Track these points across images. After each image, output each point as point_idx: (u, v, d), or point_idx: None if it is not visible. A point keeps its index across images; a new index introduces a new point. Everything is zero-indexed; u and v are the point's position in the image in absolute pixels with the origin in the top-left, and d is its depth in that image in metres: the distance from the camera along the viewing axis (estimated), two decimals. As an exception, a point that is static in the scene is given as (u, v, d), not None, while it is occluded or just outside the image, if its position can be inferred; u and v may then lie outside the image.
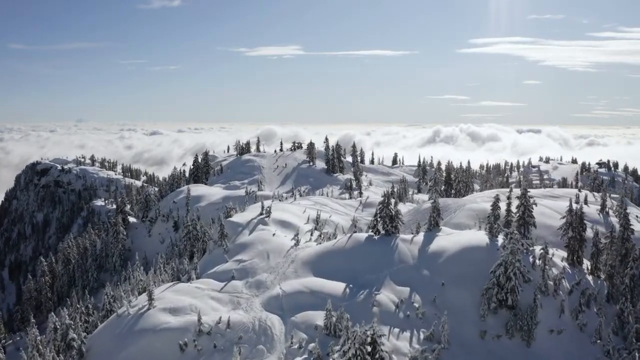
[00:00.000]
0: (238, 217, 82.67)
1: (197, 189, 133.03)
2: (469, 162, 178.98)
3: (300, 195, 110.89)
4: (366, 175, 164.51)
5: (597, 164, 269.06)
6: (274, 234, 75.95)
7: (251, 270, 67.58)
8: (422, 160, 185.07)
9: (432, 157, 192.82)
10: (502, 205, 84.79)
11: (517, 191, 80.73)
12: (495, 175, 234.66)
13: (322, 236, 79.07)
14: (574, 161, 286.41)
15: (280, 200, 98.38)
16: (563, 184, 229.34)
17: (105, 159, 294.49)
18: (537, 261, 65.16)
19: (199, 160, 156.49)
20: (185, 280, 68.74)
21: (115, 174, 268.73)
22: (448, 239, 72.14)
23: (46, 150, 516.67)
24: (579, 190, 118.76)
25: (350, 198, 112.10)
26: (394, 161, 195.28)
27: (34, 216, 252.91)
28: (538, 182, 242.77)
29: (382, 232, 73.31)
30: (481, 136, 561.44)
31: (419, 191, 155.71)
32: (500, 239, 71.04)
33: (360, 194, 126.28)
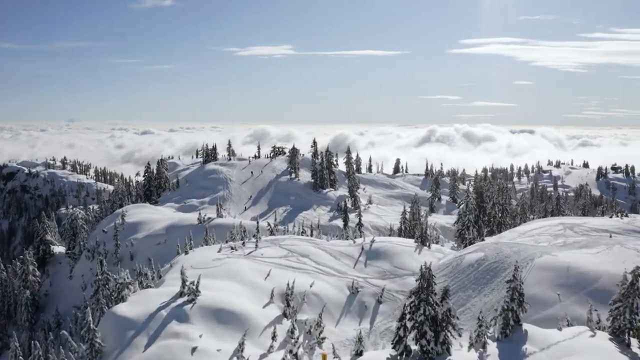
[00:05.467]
0: (135, 304, 40.98)
1: (137, 212, 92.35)
2: (498, 174, 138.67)
3: (272, 232, 69.46)
4: (364, 189, 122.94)
5: (613, 168, 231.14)
6: (194, 348, 35.06)
7: None
8: (430, 167, 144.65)
9: (441, 164, 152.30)
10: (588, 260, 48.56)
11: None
12: (504, 181, 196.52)
13: (296, 337, 38.30)
14: (586, 165, 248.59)
15: (232, 249, 56.80)
16: (580, 191, 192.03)
17: (77, 162, 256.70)
18: None
19: (152, 170, 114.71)
20: None
21: (87, 178, 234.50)
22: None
23: (36, 149, 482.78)
24: (668, 219, 78.22)
25: (346, 237, 70.38)
26: (396, 169, 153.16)
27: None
28: (552, 188, 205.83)
29: (416, 349, 32.79)
30: (477, 136, 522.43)
31: (432, 210, 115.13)
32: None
33: (360, 226, 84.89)
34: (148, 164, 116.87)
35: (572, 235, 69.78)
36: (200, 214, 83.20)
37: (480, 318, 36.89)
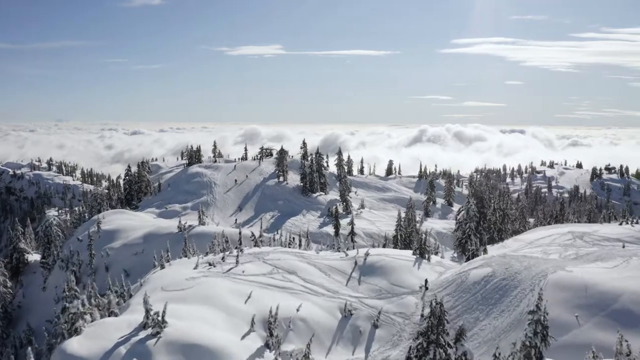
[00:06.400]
0: (90, 338, 34.45)
1: (114, 219, 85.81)
2: (504, 182, 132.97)
3: (256, 244, 62.81)
4: (356, 193, 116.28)
5: (607, 168, 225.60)
6: (156, 396, 28.60)
7: None
8: (424, 169, 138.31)
9: (435, 165, 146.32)
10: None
11: None
12: (498, 182, 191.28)
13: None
14: (579, 165, 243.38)
15: (210, 265, 50.32)
16: (575, 192, 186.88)
17: (63, 163, 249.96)
18: None
19: (133, 172, 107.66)
20: None
21: (73, 180, 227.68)
22: None
23: (25, 150, 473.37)
24: None
25: (337, 248, 63.47)
26: (389, 171, 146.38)
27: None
28: (546, 189, 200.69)
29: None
30: (467, 136, 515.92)
31: (427, 214, 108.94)
32: None
33: (353, 235, 78.56)
34: (128, 166, 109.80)
35: (583, 246, 64.01)
36: (180, 221, 76.74)
37: (497, 355, 30.79)
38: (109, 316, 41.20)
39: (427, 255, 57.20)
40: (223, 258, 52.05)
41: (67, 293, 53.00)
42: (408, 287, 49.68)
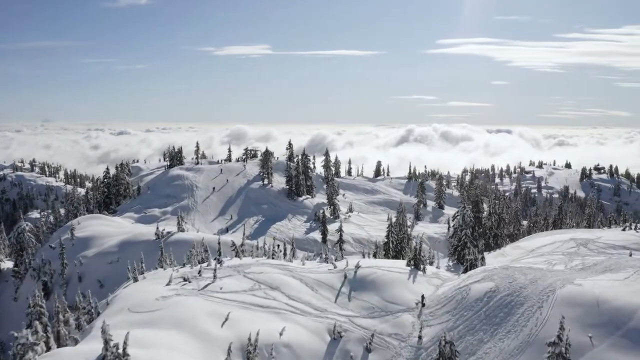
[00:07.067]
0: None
1: (89, 225, 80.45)
2: (496, 185, 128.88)
3: (237, 254, 57.49)
4: (344, 195, 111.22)
5: (596, 169, 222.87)
6: None
7: None
8: (413, 170, 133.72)
9: (425, 166, 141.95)
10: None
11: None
12: (486, 182, 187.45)
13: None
14: (568, 165, 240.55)
15: (185, 281, 44.97)
16: (565, 192, 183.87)
17: (46, 164, 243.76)
18: None
19: (111, 174, 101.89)
20: None
21: (56, 181, 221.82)
22: None
23: (11, 150, 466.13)
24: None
25: (325, 257, 57.96)
26: (377, 172, 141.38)
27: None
28: (535, 190, 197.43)
29: None
30: (454, 136, 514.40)
31: (418, 218, 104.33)
32: None
33: (342, 243, 73.51)
34: (107, 168, 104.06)
35: (587, 254, 59.56)
36: (158, 227, 71.51)
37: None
38: (74, 342, 36.27)
39: (422, 267, 52.36)
40: (200, 272, 46.90)
41: (32, 309, 48.02)
42: (403, 304, 44.83)
